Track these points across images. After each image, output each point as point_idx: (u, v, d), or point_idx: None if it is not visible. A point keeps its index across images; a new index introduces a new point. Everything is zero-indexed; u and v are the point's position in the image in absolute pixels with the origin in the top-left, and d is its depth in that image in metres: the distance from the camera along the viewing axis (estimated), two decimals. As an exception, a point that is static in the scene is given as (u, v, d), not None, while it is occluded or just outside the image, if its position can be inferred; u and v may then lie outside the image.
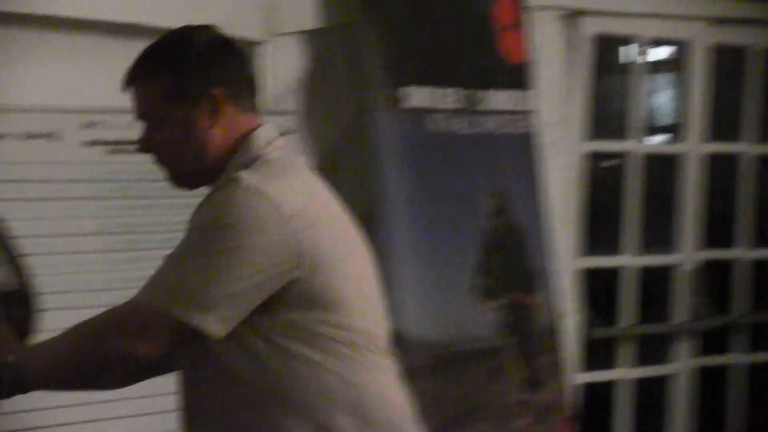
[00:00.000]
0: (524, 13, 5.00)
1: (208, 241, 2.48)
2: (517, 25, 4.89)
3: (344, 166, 4.31)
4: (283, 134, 2.73)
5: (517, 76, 4.88)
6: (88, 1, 4.06)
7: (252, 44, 4.38)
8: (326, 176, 4.18)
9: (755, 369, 6.15)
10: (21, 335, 2.70)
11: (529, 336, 4.89)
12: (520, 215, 4.93)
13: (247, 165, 2.55)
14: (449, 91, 4.61)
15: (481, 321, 4.71)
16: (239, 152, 2.60)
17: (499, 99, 4.78)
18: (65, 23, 4.01)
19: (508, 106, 4.82)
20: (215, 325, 2.39)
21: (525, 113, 4.92)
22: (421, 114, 4.50)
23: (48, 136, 3.83)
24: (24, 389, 2.53)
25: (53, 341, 2.57)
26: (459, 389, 4.61)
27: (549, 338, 5.02)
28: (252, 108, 2.67)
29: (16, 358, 2.53)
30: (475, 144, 4.74)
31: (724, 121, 6.05)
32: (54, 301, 2.93)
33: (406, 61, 4.59)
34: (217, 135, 2.59)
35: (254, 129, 2.63)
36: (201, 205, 2.54)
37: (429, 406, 4.33)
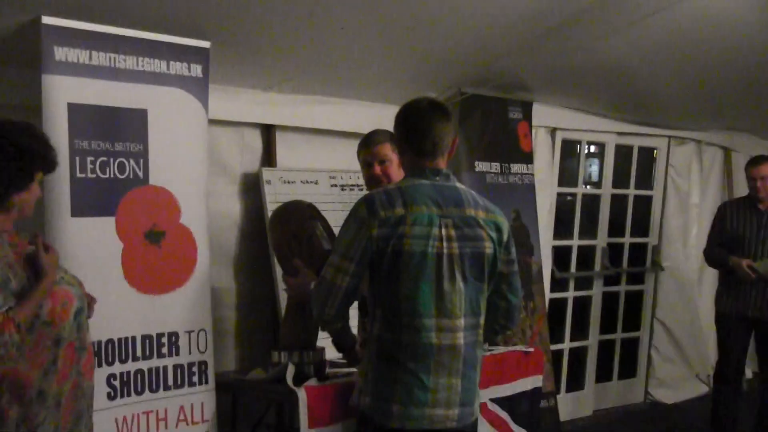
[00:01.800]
0: (532, 128, 7.12)
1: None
2: (528, 133, 7.05)
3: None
4: None
5: (527, 157, 7.01)
6: (333, 119, 6.05)
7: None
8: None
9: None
10: None
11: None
12: (525, 220, 6.99)
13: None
14: (495, 163, 6.80)
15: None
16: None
17: (518, 167, 6.97)
18: (320, 131, 6.03)
19: (522, 171, 7.02)
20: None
21: (529, 174, 7.05)
22: (483, 174, 6.63)
23: (314, 182, 5.89)
24: None
25: None
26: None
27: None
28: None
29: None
30: (507, 188, 6.81)
31: (619, 180, 8.30)
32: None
33: (476, 147, 6.65)
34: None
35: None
36: None
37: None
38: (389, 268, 3.35)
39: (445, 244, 3.37)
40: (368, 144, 4.26)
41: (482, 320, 3.50)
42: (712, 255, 7.00)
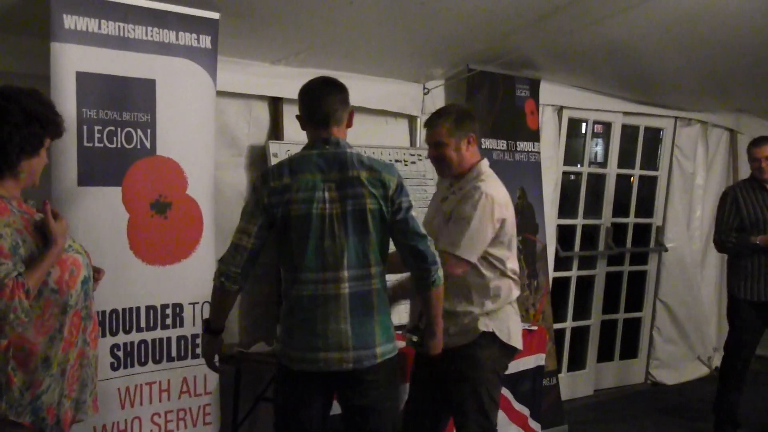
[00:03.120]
0: (538, 106, 7.08)
1: (477, 218, 4.09)
2: (535, 111, 6.98)
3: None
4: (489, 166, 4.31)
5: (533, 135, 6.99)
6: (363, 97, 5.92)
7: (412, 117, 6.48)
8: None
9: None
10: None
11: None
12: (530, 198, 6.98)
13: (478, 178, 4.22)
14: (502, 141, 6.82)
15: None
16: (475, 170, 4.27)
17: (524, 145, 6.97)
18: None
19: (529, 149, 7.01)
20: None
21: (536, 152, 7.04)
22: (489, 151, 6.61)
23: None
24: None
25: None
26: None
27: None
28: (479, 147, 4.35)
29: None
30: (513, 165, 6.79)
31: (624, 160, 8.26)
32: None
33: (484, 125, 6.55)
34: (468, 156, 4.30)
35: (480, 160, 4.33)
36: (467, 198, 4.13)
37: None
38: (282, 231, 3.75)
39: (327, 205, 3.72)
40: (425, 125, 4.51)
41: (375, 270, 3.80)
42: (730, 241, 6.57)
